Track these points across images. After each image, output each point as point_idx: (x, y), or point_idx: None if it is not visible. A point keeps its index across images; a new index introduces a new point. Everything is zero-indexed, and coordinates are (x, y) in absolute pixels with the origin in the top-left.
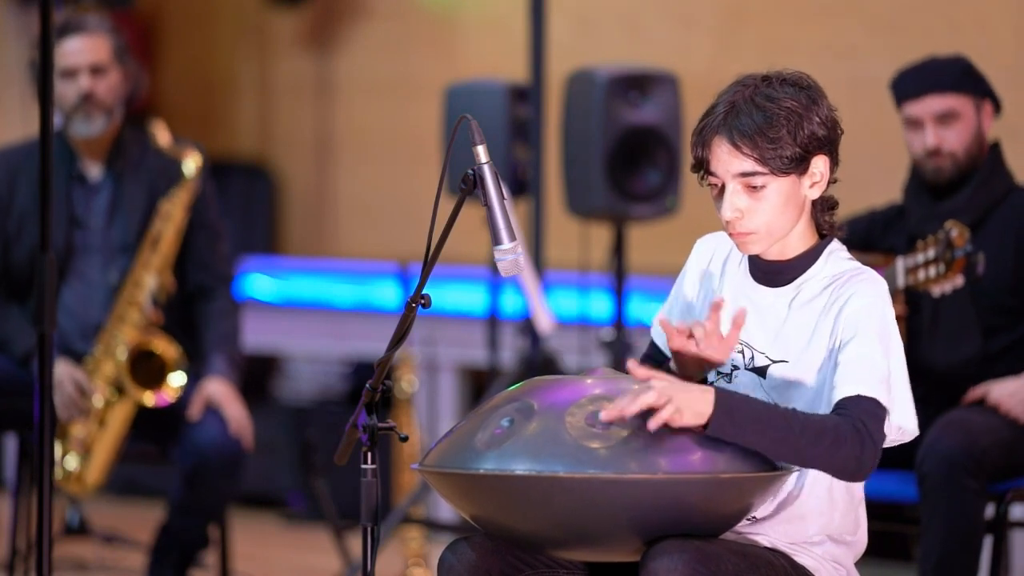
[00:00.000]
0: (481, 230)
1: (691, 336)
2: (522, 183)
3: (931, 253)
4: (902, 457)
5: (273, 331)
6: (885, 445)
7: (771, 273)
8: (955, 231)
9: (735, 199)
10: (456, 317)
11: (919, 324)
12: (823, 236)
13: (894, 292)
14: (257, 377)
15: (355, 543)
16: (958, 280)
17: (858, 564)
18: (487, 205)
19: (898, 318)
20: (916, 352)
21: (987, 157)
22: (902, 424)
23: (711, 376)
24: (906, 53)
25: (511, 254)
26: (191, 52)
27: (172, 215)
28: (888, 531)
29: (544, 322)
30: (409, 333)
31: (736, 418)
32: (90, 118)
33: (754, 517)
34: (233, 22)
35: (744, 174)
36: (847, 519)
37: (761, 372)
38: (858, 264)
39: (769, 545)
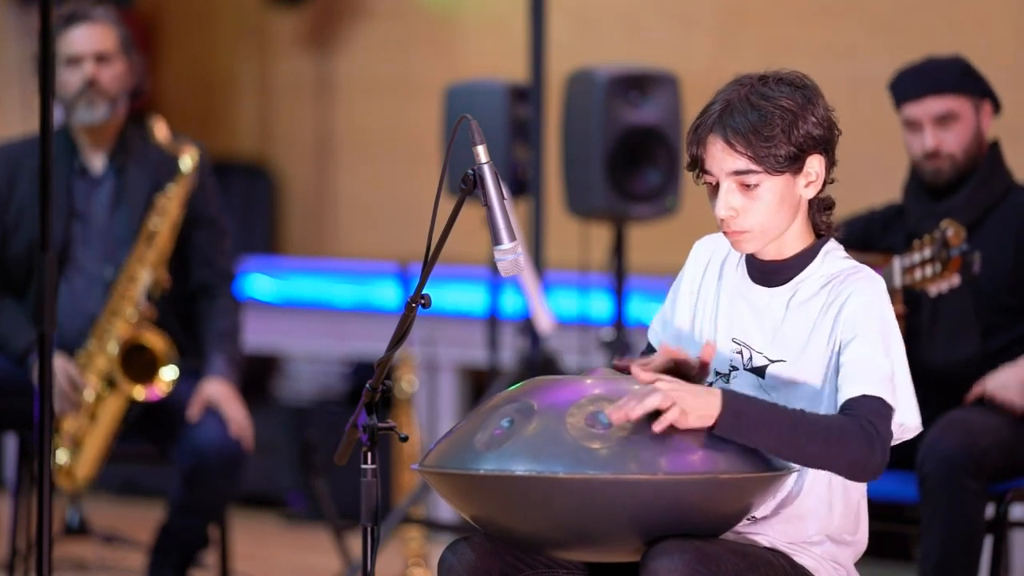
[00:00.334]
0: (481, 230)
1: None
2: (522, 183)
3: (927, 252)
4: (902, 457)
5: (273, 331)
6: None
7: (768, 273)
8: (951, 230)
9: (729, 197)
10: (456, 317)
11: (918, 323)
12: (820, 236)
13: (892, 292)
14: (257, 377)
15: (355, 543)
16: (954, 279)
17: (858, 564)
18: (487, 205)
19: (898, 318)
20: (915, 352)
21: (986, 157)
22: (904, 421)
23: (710, 376)
24: (906, 53)
25: (511, 254)
26: (191, 52)
27: (168, 210)
28: (888, 531)
29: (544, 322)
30: (409, 333)
31: (743, 420)
32: (93, 105)
33: (754, 517)
34: (233, 22)
35: (738, 172)
36: (847, 519)
37: (759, 372)
38: (855, 263)
39: (769, 545)
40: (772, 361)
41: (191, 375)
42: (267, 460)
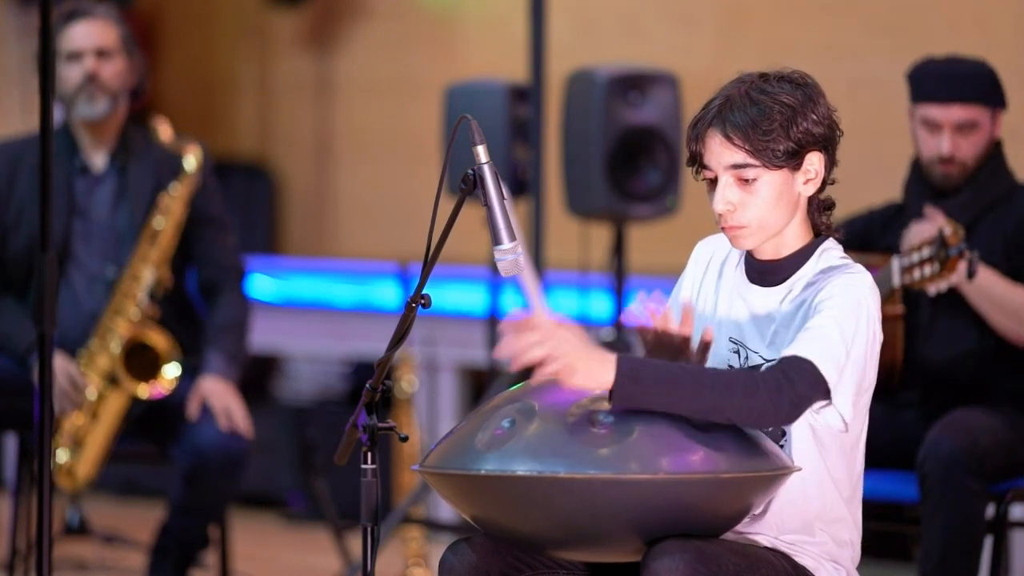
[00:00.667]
0: (481, 230)
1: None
2: (522, 183)
3: (925, 252)
4: (902, 457)
5: (273, 331)
6: (815, 424)
7: (765, 273)
8: (948, 230)
9: (727, 192)
10: (456, 317)
11: (917, 321)
12: (819, 236)
13: (891, 291)
14: (257, 377)
15: (355, 543)
16: (953, 279)
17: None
18: (487, 205)
19: (897, 317)
20: (914, 349)
21: (988, 156)
22: (837, 406)
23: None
24: (906, 53)
25: (511, 254)
26: (191, 52)
27: (171, 209)
28: (888, 531)
29: None
30: (409, 333)
31: (641, 383)
32: (93, 100)
33: (754, 517)
34: (233, 22)
35: (736, 166)
36: (849, 522)
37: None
38: (849, 260)
39: (769, 545)
40: (768, 360)
41: (193, 374)
42: (267, 460)
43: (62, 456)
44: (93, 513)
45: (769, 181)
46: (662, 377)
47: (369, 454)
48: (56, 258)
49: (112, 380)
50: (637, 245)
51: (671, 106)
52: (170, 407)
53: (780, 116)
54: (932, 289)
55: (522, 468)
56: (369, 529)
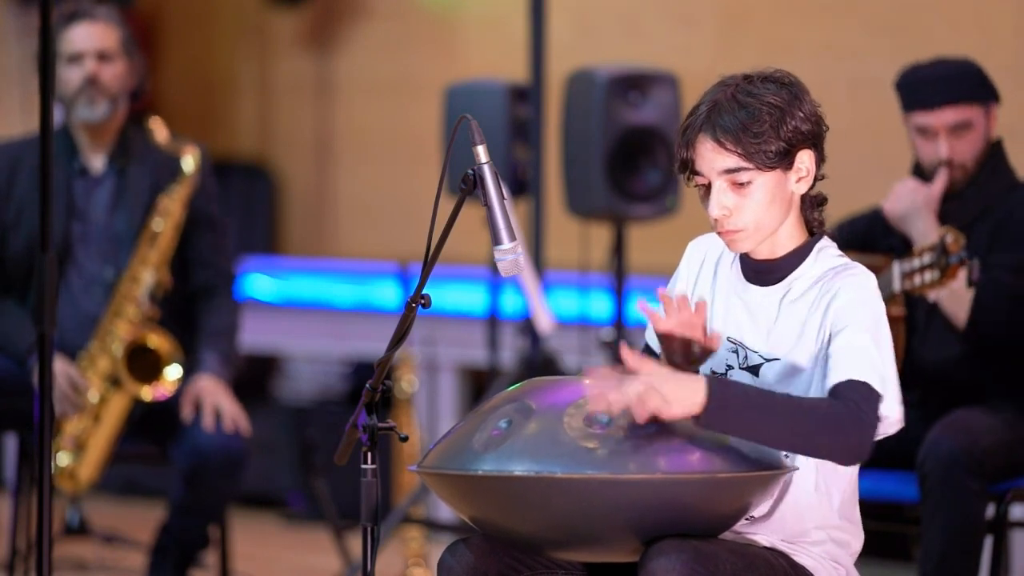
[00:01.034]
0: (481, 230)
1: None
2: (522, 183)
3: (926, 259)
4: (902, 457)
5: (273, 331)
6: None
7: (762, 272)
8: (949, 237)
9: (722, 197)
10: (456, 317)
11: (914, 323)
12: (813, 234)
13: (892, 296)
14: (257, 377)
15: (355, 543)
16: (953, 286)
17: (858, 564)
18: (487, 205)
19: (898, 319)
20: (912, 351)
21: (988, 156)
22: (888, 414)
23: (705, 372)
24: (906, 53)
25: (511, 254)
26: (191, 52)
27: (171, 211)
28: (888, 531)
29: (544, 322)
30: (409, 333)
31: (730, 409)
32: (93, 103)
33: (752, 518)
34: (233, 22)
35: (729, 171)
36: (844, 514)
37: (754, 371)
38: (848, 260)
39: (768, 544)
40: (767, 360)
41: (192, 375)
42: (267, 460)
43: (64, 459)
44: (93, 513)
45: (763, 183)
46: (751, 404)
47: (369, 454)
48: (56, 259)
49: (113, 382)
50: (637, 245)
51: (671, 106)
52: (170, 408)
53: (769, 117)
54: (932, 296)
55: (519, 468)
56: (369, 529)
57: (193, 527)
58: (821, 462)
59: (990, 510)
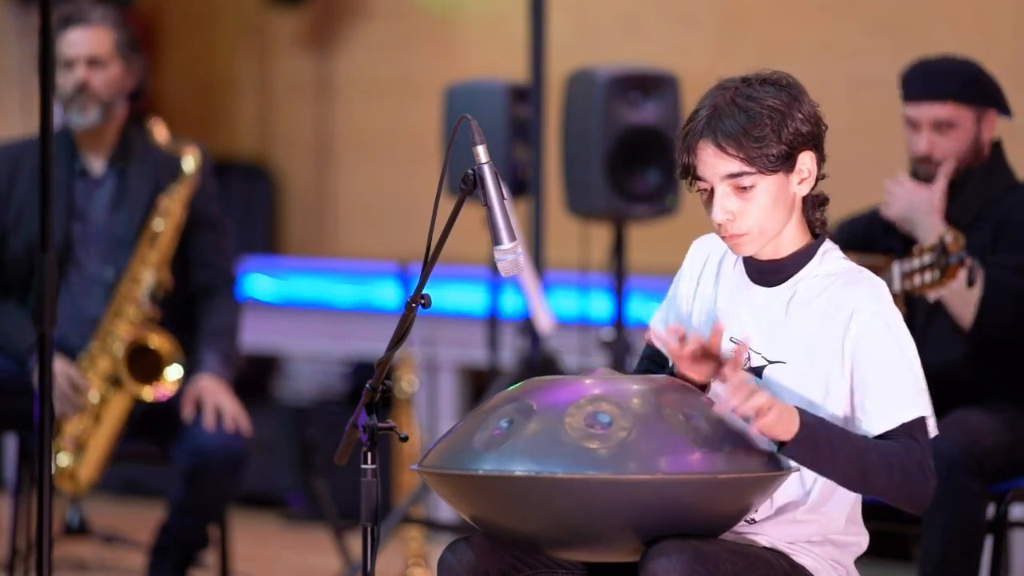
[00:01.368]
0: (481, 230)
1: (683, 339)
2: (522, 183)
3: (926, 259)
4: None
5: (273, 331)
6: None
7: (766, 273)
8: (949, 237)
9: (725, 202)
10: (456, 317)
11: (913, 324)
12: (815, 235)
13: (892, 296)
14: (257, 377)
15: (355, 543)
16: (953, 287)
17: (858, 564)
18: (487, 205)
19: None
20: None
21: (988, 156)
22: (932, 431)
23: None
24: (906, 53)
25: (511, 254)
26: (191, 52)
27: (171, 211)
28: (888, 531)
29: (544, 322)
30: (409, 333)
31: (817, 443)
32: (84, 109)
33: (753, 519)
34: (233, 22)
35: (732, 175)
36: (847, 521)
37: (757, 372)
38: (853, 264)
39: (768, 545)
40: (771, 362)
41: (192, 376)
42: (267, 460)
43: (64, 460)
44: (93, 513)
45: (766, 187)
46: (833, 442)
47: (369, 454)
48: (56, 260)
49: (114, 382)
50: (637, 245)
51: (671, 106)
52: (170, 407)
53: (770, 121)
54: (932, 296)
55: (520, 468)
56: (369, 529)
57: (193, 527)
58: None
59: (990, 510)
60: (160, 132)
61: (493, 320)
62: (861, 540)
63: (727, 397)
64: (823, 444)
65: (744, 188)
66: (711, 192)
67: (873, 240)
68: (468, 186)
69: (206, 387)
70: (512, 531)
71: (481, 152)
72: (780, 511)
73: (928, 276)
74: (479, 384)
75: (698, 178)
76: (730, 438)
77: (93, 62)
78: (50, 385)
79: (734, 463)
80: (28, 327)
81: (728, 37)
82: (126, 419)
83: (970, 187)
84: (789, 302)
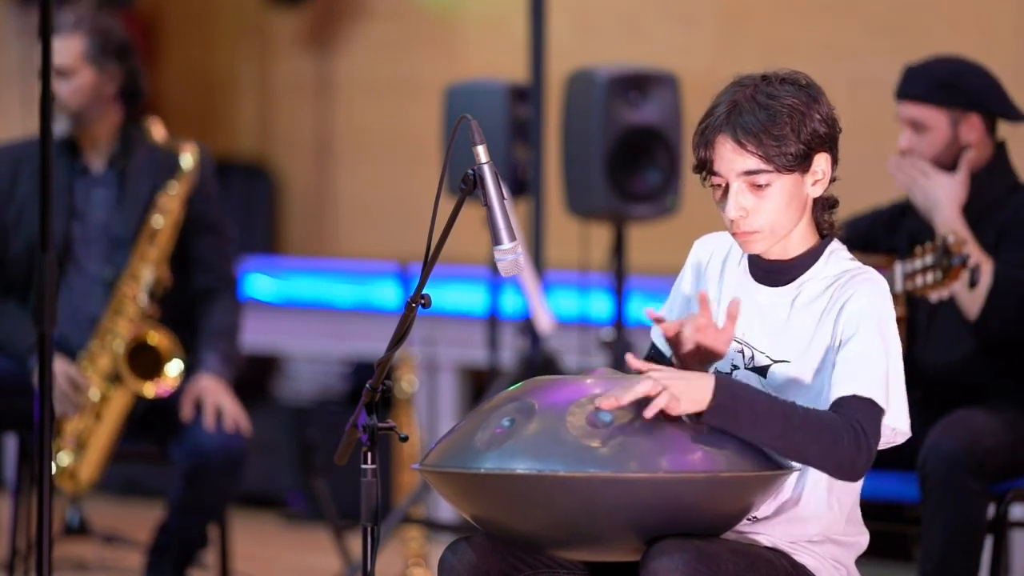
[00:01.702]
0: (481, 230)
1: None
2: (522, 183)
3: (928, 259)
4: (902, 457)
5: (273, 331)
6: (879, 447)
7: (772, 273)
8: (952, 238)
9: (740, 198)
10: (456, 317)
11: (916, 325)
12: (823, 236)
13: (893, 296)
14: (257, 377)
15: (355, 543)
16: (955, 287)
17: (858, 564)
18: (487, 205)
19: (900, 320)
20: (913, 352)
21: (991, 158)
22: (896, 425)
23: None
24: (906, 53)
25: (511, 254)
26: (191, 52)
27: (169, 209)
28: (888, 531)
29: (544, 322)
30: (409, 333)
31: (736, 408)
32: (53, 119)
33: (754, 517)
34: (233, 22)
35: (749, 172)
36: (847, 520)
37: (762, 372)
38: (859, 264)
39: (769, 544)
40: (775, 361)
41: (193, 375)
42: (267, 460)
43: (65, 459)
44: (93, 513)
45: (781, 185)
46: (755, 407)
47: (369, 454)
48: (56, 259)
49: (114, 379)
50: (637, 245)
51: (671, 106)
52: (170, 406)
53: (790, 119)
54: (934, 297)
55: (522, 467)
56: (369, 529)
57: (192, 526)
58: None
59: (990, 510)
60: (157, 130)
61: (493, 320)
62: (861, 539)
63: (611, 392)
64: (744, 409)
65: (760, 186)
66: (725, 188)
67: (875, 240)
68: (468, 186)
69: (206, 387)
70: (513, 530)
71: (481, 152)
72: (781, 511)
73: (930, 277)
74: (479, 384)
75: (713, 173)
76: (731, 437)
77: (58, 73)
78: (50, 385)
79: (735, 462)
80: (28, 327)
81: (728, 37)
82: (126, 418)
83: (973, 188)
84: (794, 302)
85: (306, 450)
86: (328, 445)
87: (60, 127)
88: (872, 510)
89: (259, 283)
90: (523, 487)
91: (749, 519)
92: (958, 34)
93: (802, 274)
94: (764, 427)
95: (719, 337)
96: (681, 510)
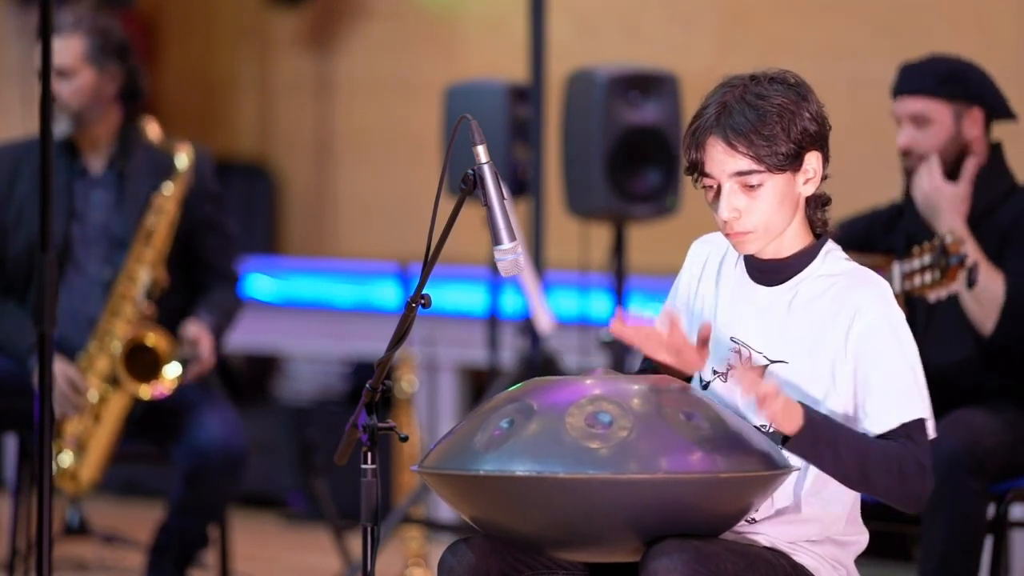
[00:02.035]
0: (481, 230)
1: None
2: (522, 183)
3: (926, 259)
4: None
5: (273, 331)
6: None
7: (768, 272)
8: (949, 238)
9: (732, 199)
10: (456, 317)
11: (915, 324)
12: (817, 235)
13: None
14: (257, 377)
15: (355, 543)
16: (953, 287)
17: (858, 564)
18: (487, 205)
19: None
20: None
21: (987, 158)
22: (931, 433)
23: (707, 374)
24: (906, 53)
25: (511, 254)
26: (191, 52)
27: (165, 209)
28: (888, 531)
29: (544, 322)
30: (409, 333)
31: (819, 440)
32: (54, 120)
33: (753, 519)
34: (233, 22)
35: (740, 173)
36: (847, 521)
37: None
38: (856, 264)
39: (769, 544)
40: (772, 361)
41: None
42: (267, 460)
43: (65, 460)
44: (93, 513)
45: (773, 185)
46: (834, 439)
47: (369, 454)
48: (56, 260)
49: (113, 382)
50: (637, 245)
51: (671, 106)
52: (170, 407)
53: (779, 119)
54: (932, 296)
55: (521, 468)
56: (369, 529)
57: (192, 526)
58: None
59: (991, 510)
60: (152, 130)
61: (493, 320)
62: (861, 539)
63: (735, 375)
64: (825, 442)
65: (751, 186)
66: (717, 189)
67: (873, 240)
68: (468, 186)
69: (191, 331)
70: (513, 531)
71: (481, 152)
72: (780, 511)
73: (928, 277)
74: (479, 384)
75: (705, 175)
76: (730, 438)
77: (59, 73)
78: (50, 385)
79: (735, 462)
80: (28, 327)
81: (728, 37)
82: (126, 419)
83: (971, 190)
84: (791, 302)
85: (306, 450)
86: (328, 445)
87: (60, 127)
88: (872, 510)
89: (259, 283)
90: (522, 489)
91: (748, 520)
92: (958, 34)
93: (798, 273)
94: (841, 464)
95: (692, 358)
96: (680, 511)
